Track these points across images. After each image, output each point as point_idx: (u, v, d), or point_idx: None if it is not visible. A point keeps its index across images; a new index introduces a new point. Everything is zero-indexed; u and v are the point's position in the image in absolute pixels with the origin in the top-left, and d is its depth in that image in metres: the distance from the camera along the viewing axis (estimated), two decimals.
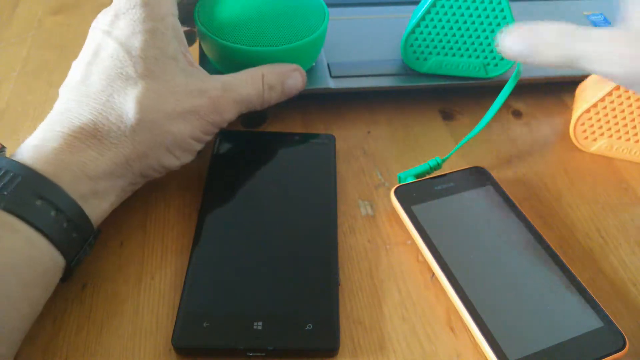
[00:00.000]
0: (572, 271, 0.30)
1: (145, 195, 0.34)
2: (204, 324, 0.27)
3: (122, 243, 0.32)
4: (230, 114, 0.33)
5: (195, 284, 0.28)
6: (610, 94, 0.37)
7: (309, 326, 0.27)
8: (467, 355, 0.27)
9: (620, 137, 0.38)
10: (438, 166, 0.36)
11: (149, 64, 0.30)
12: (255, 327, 0.27)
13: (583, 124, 0.39)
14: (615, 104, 0.37)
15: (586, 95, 0.39)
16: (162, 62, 0.30)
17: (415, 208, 0.33)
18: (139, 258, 0.31)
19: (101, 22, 0.31)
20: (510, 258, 0.30)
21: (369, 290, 0.30)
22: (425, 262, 0.31)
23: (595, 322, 0.27)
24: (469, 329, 0.28)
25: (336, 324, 0.27)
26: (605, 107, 0.37)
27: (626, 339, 0.27)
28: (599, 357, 0.26)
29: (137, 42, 0.30)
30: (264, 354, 0.26)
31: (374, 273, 0.31)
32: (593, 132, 0.39)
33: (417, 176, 0.35)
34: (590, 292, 0.29)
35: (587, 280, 0.31)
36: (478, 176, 0.35)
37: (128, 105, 0.29)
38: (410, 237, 0.33)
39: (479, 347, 0.27)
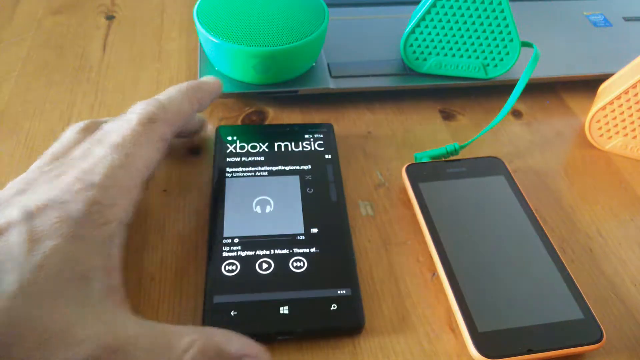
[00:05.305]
0: (565, 265, 0.30)
1: (147, 194, 0.34)
2: (232, 313, 0.27)
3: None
4: None
5: (219, 276, 0.29)
6: (626, 92, 0.36)
7: (334, 306, 0.28)
8: (467, 355, 0.27)
9: (635, 137, 0.38)
10: (455, 152, 0.36)
11: (40, 277, 0.21)
12: (282, 311, 0.27)
13: (598, 121, 0.38)
14: (631, 102, 0.36)
15: (605, 93, 0.38)
16: (63, 280, 0.21)
17: (422, 185, 0.33)
18: (138, 260, 0.31)
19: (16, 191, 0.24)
20: (506, 245, 0.31)
21: (369, 290, 0.30)
22: (425, 262, 0.31)
23: (576, 313, 0.28)
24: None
25: (359, 302, 0.28)
26: (621, 105, 0.37)
27: (604, 333, 0.27)
28: (573, 345, 0.26)
29: (46, 242, 0.21)
30: (293, 337, 0.27)
31: (374, 273, 0.31)
32: (608, 130, 0.38)
33: (432, 158, 0.36)
34: (577, 284, 0.29)
35: (587, 280, 0.31)
36: (492, 165, 0.35)
37: None
38: (410, 237, 0.33)
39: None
